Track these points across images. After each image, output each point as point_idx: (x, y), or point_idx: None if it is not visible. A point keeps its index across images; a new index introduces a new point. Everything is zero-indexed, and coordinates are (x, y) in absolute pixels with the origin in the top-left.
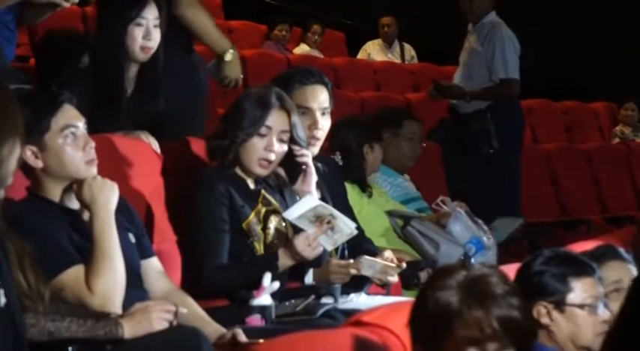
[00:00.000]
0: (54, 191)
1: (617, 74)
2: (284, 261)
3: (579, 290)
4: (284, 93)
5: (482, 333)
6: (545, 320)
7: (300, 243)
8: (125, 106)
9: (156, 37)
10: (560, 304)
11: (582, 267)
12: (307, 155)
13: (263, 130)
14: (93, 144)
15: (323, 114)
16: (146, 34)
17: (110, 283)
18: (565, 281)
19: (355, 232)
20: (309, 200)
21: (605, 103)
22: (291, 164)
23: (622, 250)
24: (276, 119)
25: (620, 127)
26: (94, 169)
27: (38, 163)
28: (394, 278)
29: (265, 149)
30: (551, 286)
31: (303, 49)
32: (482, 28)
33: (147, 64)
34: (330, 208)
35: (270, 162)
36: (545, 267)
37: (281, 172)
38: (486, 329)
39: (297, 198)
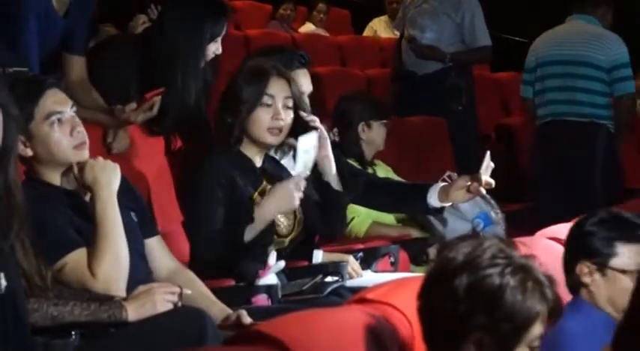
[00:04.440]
0: (51, 175)
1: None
2: (262, 211)
3: (625, 256)
4: (278, 63)
5: (544, 326)
6: (586, 279)
7: (292, 185)
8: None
9: (220, 48)
10: (602, 267)
11: (634, 232)
12: (316, 120)
13: (266, 99)
14: (81, 128)
15: (308, 96)
16: (217, 49)
17: (113, 267)
18: (612, 245)
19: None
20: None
21: None
22: (303, 132)
23: None
24: (277, 87)
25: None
26: (85, 153)
27: (28, 152)
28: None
29: (273, 118)
30: (596, 247)
31: (308, 27)
32: None
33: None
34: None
35: (280, 130)
36: (595, 228)
37: (294, 142)
38: (545, 321)
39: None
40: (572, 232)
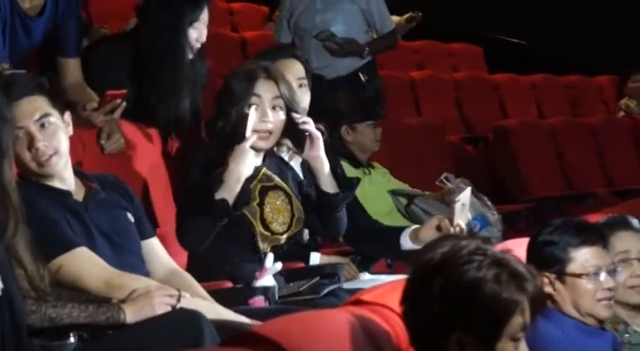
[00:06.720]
0: (40, 176)
1: (620, 46)
2: (228, 175)
3: (580, 260)
4: (270, 64)
5: (525, 317)
6: (548, 289)
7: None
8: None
9: (205, 36)
10: (560, 275)
11: (586, 236)
12: (308, 122)
13: (253, 99)
14: (42, 143)
15: (300, 86)
16: (199, 36)
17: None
18: (566, 251)
19: None
20: None
21: (609, 77)
22: (294, 133)
23: (635, 221)
24: (264, 87)
25: (625, 101)
26: (52, 167)
27: None
28: None
29: (260, 120)
30: (551, 257)
31: None
32: None
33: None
34: None
35: (270, 132)
36: (548, 237)
37: (288, 143)
38: (526, 312)
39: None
40: (529, 245)
